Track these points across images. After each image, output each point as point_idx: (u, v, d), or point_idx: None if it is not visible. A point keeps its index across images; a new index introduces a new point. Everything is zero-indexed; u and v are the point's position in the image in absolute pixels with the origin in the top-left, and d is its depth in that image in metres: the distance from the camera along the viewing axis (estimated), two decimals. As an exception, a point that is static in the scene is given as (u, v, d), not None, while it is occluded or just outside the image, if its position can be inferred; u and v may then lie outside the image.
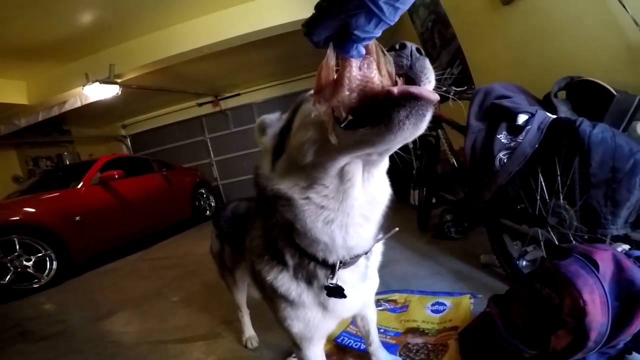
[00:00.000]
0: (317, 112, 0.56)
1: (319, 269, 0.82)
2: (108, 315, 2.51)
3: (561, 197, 1.38)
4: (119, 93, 5.20)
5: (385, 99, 0.49)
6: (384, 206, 0.77)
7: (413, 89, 0.49)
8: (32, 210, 3.75)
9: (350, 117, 0.53)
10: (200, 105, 8.31)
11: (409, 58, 0.53)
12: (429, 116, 0.50)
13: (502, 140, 1.46)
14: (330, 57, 0.51)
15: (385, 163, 0.74)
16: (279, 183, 0.72)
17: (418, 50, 0.54)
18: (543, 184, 1.45)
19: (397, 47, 0.54)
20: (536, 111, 1.43)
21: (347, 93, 0.51)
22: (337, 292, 0.81)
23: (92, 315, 2.53)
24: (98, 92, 4.96)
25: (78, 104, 5.44)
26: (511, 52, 2.52)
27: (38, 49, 4.45)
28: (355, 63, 0.51)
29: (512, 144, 1.43)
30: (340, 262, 0.79)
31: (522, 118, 1.43)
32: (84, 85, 4.86)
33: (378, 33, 0.49)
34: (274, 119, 0.82)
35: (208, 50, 4.87)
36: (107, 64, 4.86)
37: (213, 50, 4.92)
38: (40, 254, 3.61)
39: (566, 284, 0.94)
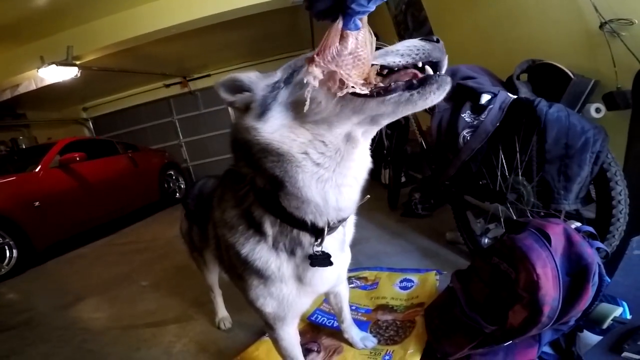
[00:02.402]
0: (310, 76, 0.59)
1: (303, 235, 0.80)
2: (75, 302, 2.44)
3: (520, 174, 1.46)
4: (78, 75, 4.91)
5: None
6: (368, 169, 0.79)
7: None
8: (-14, 196, 3.52)
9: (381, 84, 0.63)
10: (167, 86, 8.01)
11: (442, 51, 0.64)
12: (448, 89, 0.62)
13: (466, 119, 1.51)
14: (338, 22, 0.55)
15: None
16: (271, 135, 0.69)
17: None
18: (503, 160, 1.51)
19: (435, 40, 0.64)
20: (498, 91, 1.47)
21: (348, 59, 0.58)
22: (324, 260, 0.80)
23: (59, 303, 2.45)
24: (54, 74, 4.66)
25: (33, 87, 5.11)
26: (480, 35, 2.55)
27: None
28: (354, 35, 0.57)
29: (475, 122, 1.48)
30: (328, 227, 0.78)
31: (485, 98, 1.47)
32: (38, 68, 4.53)
33: (372, 7, 0.54)
34: (253, 77, 0.76)
35: (176, 30, 4.63)
36: (65, 45, 4.52)
37: (181, 31, 4.68)
38: (-2, 243, 3.43)
39: (521, 258, 0.96)
